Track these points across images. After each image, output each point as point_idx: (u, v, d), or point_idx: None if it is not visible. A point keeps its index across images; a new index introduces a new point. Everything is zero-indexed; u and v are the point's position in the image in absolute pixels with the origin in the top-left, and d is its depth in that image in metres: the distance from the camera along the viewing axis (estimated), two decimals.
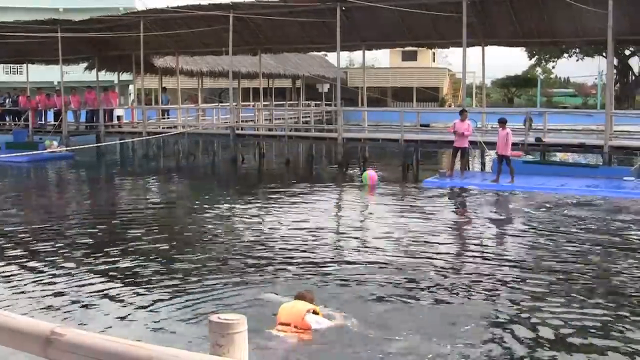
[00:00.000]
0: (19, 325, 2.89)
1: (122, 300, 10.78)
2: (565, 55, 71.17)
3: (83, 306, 10.58)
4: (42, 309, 10.42)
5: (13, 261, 13.45)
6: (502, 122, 24.75)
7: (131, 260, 13.56)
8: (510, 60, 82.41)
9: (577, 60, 71.68)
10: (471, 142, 26.45)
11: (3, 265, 13.15)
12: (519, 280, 12.01)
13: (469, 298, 10.91)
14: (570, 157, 30.10)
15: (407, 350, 8.70)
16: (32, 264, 13.26)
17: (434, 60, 75.83)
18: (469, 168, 27.52)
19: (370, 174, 25.62)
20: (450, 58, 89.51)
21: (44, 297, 10.98)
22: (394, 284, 11.74)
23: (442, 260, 13.41)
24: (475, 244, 15.28)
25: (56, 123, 39.42)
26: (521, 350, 8.80)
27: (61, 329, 2.77)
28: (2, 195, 24.22)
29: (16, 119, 42.98)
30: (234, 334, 2.75)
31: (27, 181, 29.89)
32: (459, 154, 26.12)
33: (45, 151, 33.30)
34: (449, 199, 22.26)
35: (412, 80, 69.64)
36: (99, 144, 35.87)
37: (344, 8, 30.33)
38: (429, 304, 10.61)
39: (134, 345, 2.60)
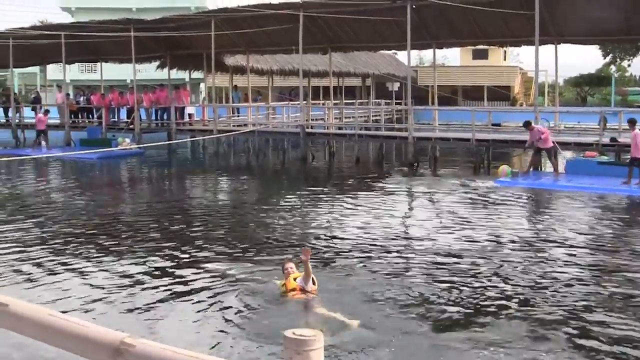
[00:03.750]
0: (88, 334, 2.86)
1: (191, 303, 10.70)
2: None
3: (152, 308, 10.48)
4: (109, 304, 10.49)
5: (80, 257, 13.60)
6: (632, 123, 23.33)
7: (200, 259, 13.54)
8: (583, 58, 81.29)
9: None
10: None
11: (70, 261, 13.32)
12: (572, 288, 11.74)
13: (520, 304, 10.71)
14: None
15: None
16: (101, 259, 13.37)
17: (505, 59, 74.97)
18: (541, 168, 27.15)
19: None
20: (521, 56, 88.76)
21: (113, 299, 10.97)
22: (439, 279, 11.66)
23: (500, 260, 13.22)
24: (537, 246, 14.99)
25: (129, 120, 39.90)
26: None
27: (131, 339, 2.73)
28: (74, 189, 24.65)
29: (90, 117, 43.68)
30: (310, 350, 2.66)
31: (100, 177, 30.23)
32: (541, 154, 26.05)
33: (117, 148, 33.73)
34: (519, 199, 21.89)
35: (483, 78, 68.97)
36: (170, 142, 36.21)
37: (414, 6, 30.17)
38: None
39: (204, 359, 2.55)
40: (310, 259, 10.54)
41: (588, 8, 28.61)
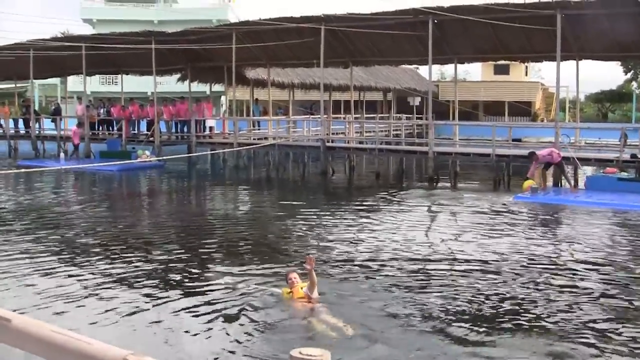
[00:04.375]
0: (91, 351, 2.78)
1: (199, 316, 10.55)
2: None
3: (157, 322, 10.30)
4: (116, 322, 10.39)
5: (88, 269, 13.52)
6: None
7: (212, 270, 13.51)
8: (604, 74, 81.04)
9: None
10: (565, 158, 26.01)
11: (78, 273, 13.28)
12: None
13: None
14: None
15: None
16: (108, 271, 13.28)
17: (526, 74, 74.86)
18: (561, 184, 26.97)
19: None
20: (543, 72, 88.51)
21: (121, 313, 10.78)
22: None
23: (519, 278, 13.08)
24: (555, 262, 14.79)
25: (149, 133, 39.97)
26: None
27: (134, 356, 2.66)
28: (92, 201, 24.68)
29: (110, 129, 43.80)
30: None
31: (119, 189, 30.23)
32: (551, 168, 25.83)
33: (137, 160, 33.79)
34: (538, 215, 21.72)
35: (504, 94, 68.85)
36: (190, 154, 36.24)
37: (436, 21, 30.12)
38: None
39: None
40: (327, 270, 10.47)
41: (609, 24, 28.44)
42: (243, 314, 10.49)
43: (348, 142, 38.19)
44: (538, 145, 34.46)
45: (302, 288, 10.72)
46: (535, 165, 25.43)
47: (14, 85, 50.18)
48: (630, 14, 27.58)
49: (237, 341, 9.38)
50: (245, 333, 9.69)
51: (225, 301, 11.19)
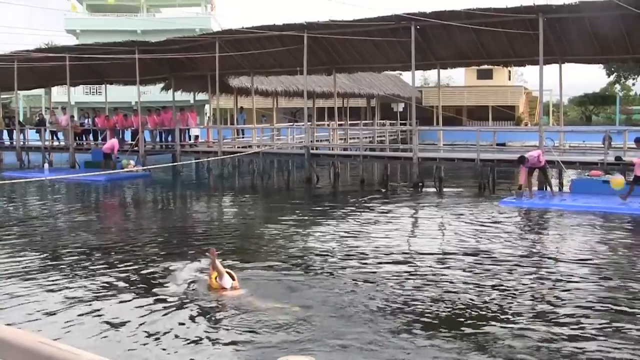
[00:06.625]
0: None
1: (176, 321, 10.53)
2: None
3: (141, 331, 10.21)
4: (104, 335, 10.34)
5: (71, 278, 13.48)
6: (639, 142, 24.83)
7: (190, 275, 13.42)
8: (588, 77, 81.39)
9: None
10: (549, 162, 26.07)
11: (59, 283, 13.22)
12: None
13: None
14: None
15: None
16: (91, 281, 13.26)
17: (509, 79, 75.10)
18: (547, 188, 26.97)
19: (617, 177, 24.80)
20: (526, 76, 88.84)
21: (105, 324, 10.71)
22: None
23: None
24: (539, 265, 14.84)
25: (133, 142, 39.88)
26: None
27: None
28: (77, 213, 24.59)
29: (90, 138, 43.71)
30: None
31: (104, 199, 30.14)
32: (535, 172, 25.86)
33: (122, 170, 33.73)
34: (523, 219, 21.78)
35: (487, 98, 69.14)
36: (174, 163, 36.20)
37: (418, 27, 30.16)
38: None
39: None
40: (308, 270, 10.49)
41: (591, 27, 28.56)
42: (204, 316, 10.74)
43: (332, 149, 38.23)
44: (522, 149, 34.57)
45: (215, 279, 11.31)
46: (524, 170, 25.30)
47: None
48: (612, 16, 27.67)
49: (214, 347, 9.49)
50: (215, 340, 9.75)
51: (197, 303, 11.35)
